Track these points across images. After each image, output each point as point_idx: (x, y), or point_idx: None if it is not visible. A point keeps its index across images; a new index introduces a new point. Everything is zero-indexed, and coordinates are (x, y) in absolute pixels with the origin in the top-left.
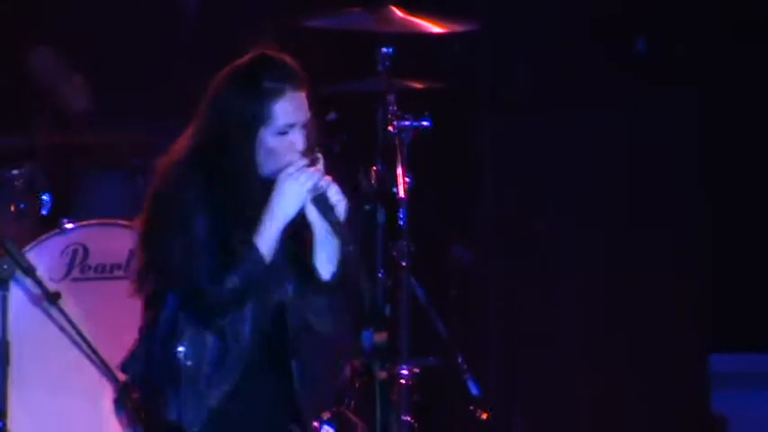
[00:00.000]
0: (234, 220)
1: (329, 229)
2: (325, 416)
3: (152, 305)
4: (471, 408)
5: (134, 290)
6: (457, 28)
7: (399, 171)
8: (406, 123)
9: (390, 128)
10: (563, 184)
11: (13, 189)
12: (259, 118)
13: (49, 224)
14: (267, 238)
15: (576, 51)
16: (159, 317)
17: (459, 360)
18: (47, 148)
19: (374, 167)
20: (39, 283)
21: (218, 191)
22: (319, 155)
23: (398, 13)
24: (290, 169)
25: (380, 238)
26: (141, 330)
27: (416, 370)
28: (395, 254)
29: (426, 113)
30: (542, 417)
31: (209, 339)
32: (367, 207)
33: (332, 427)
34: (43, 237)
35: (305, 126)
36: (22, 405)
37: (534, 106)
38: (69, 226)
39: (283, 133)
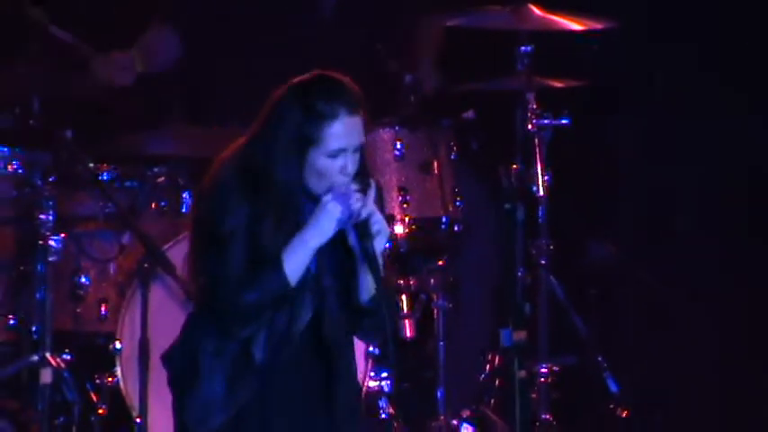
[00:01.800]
0: (274, 235)
1: (363, 258)
2: (465, 414)
3: (194, 310)
4: (611, 406)
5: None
6: (596, 25)
7: (538, 169)
8: (546, 122)
9: (529, 126)
10: (704, 182)
11: (154, 187)
12: (310, 139)
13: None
14: (296, 257)
15: (714, 51)
16: (194, 321)
17: (599, 358)
18: (185, 145)
19: (513, 166)
20: (179, 280)
21: (263, 204)
22: (372, 181)
23: (537, 11)
24: (332, 193)
25: (520, 236)
26: (182, 329)
27: (556, 368)
28: (534, 252)
29: (565, 112)
30: (682, 414)
31: (232, 351)
32: (506, 205)
33: (471, 425)
34: (183, 234)
35: (357, 150)
36: (161, 403)
37: (674, 104)
38: None
39: (333, 156)
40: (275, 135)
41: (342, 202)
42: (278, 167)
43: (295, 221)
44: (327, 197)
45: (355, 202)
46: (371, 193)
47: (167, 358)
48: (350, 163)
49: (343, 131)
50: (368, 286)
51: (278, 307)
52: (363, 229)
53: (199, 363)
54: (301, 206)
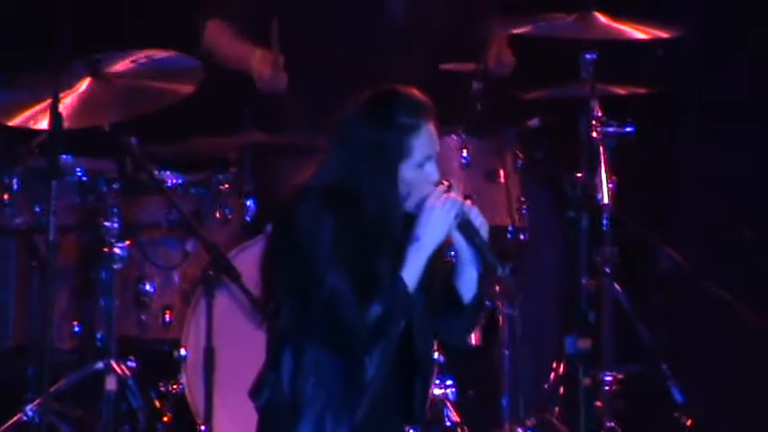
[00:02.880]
0: (370, 255)
1: (477, 253)
2: (530, 423)
3: (280, 335)
4: (676, 414)
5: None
6: (661, 33)
7: (603, 177)
8: (610, 130)
9: (594, 134)
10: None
11: (218, 194)
12: (398, 153)
13: (253, 230)
14: (413, 270)
15: None
16: (286, 347)
17: (663, 366)
18: (252, 152)
19: (578, 174)
20: (244, 289)
21: (354, 227)
22: (452, 183)
23: (602, 18)
24: (433, 199)
25: (584, 244)
26: (268, 358)
27: (620, 376)
28: (598, 260)
29: (630, 120)
30: (747, 424)
31: (339, 372)
32: (571, 214)
33: None
34: (247, 243)
35: (436, 157)
36: (226, 411)
37: (739, 112)
38: None
39: (420, 166)
40: (361, 156)
41: (447, 205)
42: (371, 188)
43: (392, 237)
44: (430, 202)
45: (456, 202)
46: (454, 191)
47: (255, 394)
48: (434, 170)
49: (426, 140)
50: (471, 284)
51: (399, 319)
52: (468, 226)
53: (300, 392)
54: (399, 222)
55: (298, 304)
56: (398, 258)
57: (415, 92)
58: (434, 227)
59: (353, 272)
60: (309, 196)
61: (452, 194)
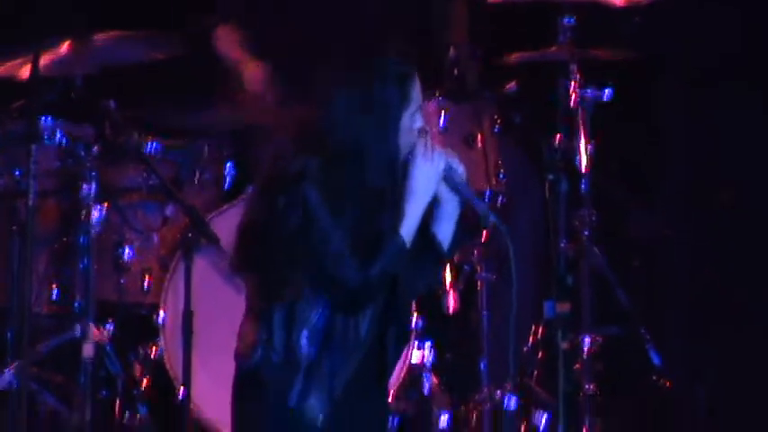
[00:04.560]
0: (372, 213)
1: (463, 203)
2: (508, 386)
3: (270, 294)
4: (654, 377)
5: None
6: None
7: (581, 141)
8: (588, 93)
9: (572, 98)
10: (748, 154)
11: (197, 158)
12: (401, 105)
13: (233, 194)
14: (409, 224)
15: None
16: (276, 307)
17: (642, 330)
18: (229, 122)
19: (556, 138)
20: (222, 252)
21: (357, 190)
22: (428, 128)
23: None
24: (422, 152)
25: (563, 208)
26: (255, 318)
27: (599, 339)
28: (577, 223)
29: (608, 83)
30: (725, 387)
31: (335, 325)
32: (549, 177)
33: (515, 397)
34: (225, 206)
35: None
36: (205, 372)
37: (717, 75)
38: None
39: (413, 114)
40: (365, 114)
41: (435, 157)
42: (378, 147)
43: (391, 190)
44: (420, 155)
45: (442, 153)
46: (429, 138)
47: (247, 354)
48: (420, 118)
49: (418, 87)
50: (449, 234)
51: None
52: (453, 177)
53: (295, 348)
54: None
55: (288, 264)
56: (395, 212)
57: (398, 39)
58: (427, 180)
59: (355, 231)
60: (302, 164)
61: (435, 145)
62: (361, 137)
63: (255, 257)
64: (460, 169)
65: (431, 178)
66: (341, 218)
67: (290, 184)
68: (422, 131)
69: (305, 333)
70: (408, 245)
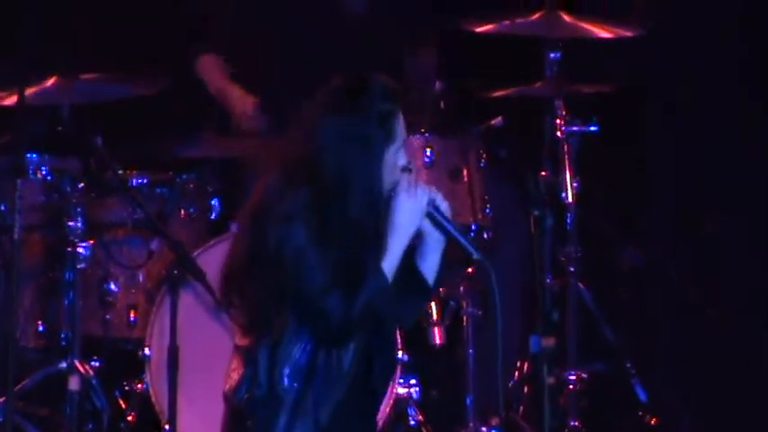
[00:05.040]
0: (354, 247)
1: (448, 238)
2: (494, 422)
3: (256, 330)
4: (640, 413)
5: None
6: (626, 33)
7: (567, 176)
8: (574, 129)
9: (558, 133)
10: (733, 186)
11: (183, 194)
12: (384, 141)
13: (218, 229)
14: (392, 259)
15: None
16: (261, 342)
17: (628, 365)
18: (216, 153)
19: (542, 173)
20: (208, 288)
21: (340, 225)
22: (412, 164)
23: (567, 18)
24: (406, 187)
25: (548, 243)
26: (241, 355)
27: (584, 375)
28: (563, 259)
29: (594, 118)
30: (711, 422)
31: (318, 359)
32: (535, 212)
33: None
34: (212, 241)
35: None
36: (190, 410)
37: (703, 109)
38: None
39: (398, 151)
40: (347, 150)
41: (419, 192)
42: (361, 183)
43: (376, 227)
44: (404, 190)
45: (426, 188)
46: (415, 174)
47: (234, 392)
48: (404, 154)
49: (402, 123)
50: (433, 269)
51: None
52: (438, 212)
53: (278, 384)
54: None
55: (275, 302)
56: (378, 248)
57: (383, 76)
58: (410, 216)
59: (339, 266)
60: (289, 201)
61: (418, 182)
62: (346, 172)
63: (242, 293)
64: (444, 204)
65: (414, 214)
66: (326, 254)
67: (279, 222)
68: (406, 168)
69: (287, 368)
70: (391, 279)
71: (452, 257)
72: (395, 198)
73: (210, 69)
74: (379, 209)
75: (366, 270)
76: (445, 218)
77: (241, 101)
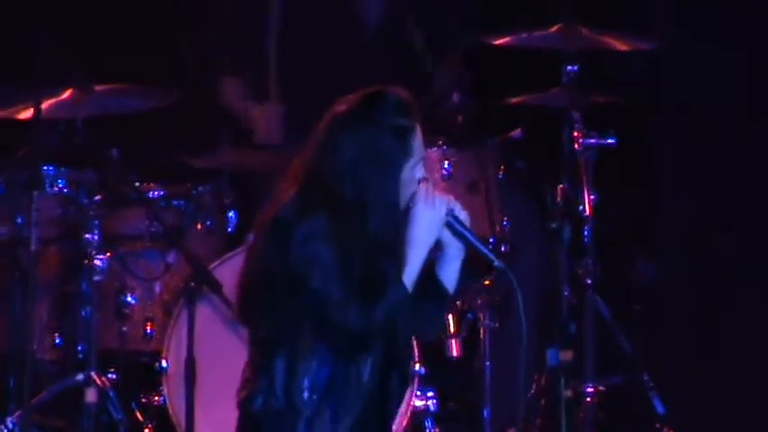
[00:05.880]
0: (373, 261)
1: (468, 247)
2: None
3: (272, 342)
4: (657, 426)
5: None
6: (642, 45)
7: (584, 188)
8: (592, 141)
9: (575, 146)
10: (749, 199)
11: (200, 206)
12: (402, 157)
13: (235, 241)
14: (411, 271)
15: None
16: (278, 353)
17: (645, 378)
18: (232, 165)
19: (559, 185)
20: (225, 300)
21: (358, 239)
22: (427, 176)
23: (585, 30)
24: (422, 198)
25: (565, 255)
26: (256, 365)
27: (602, 388)
28: (580, 271)
29: (611, 131)
30: None
31: (337, 372)
32: (553, 225)
33: None
34: (229, 254)
35: None
36: (207, 422)
37: (718, 121)
38: None
39: (415, 166)
40: (365, 166)
41: (437, 203)
42: (379, 198)
43: (394, 238)
44: (422, 202)
45: (443, 199)
46: (431, 185)
47: (249, 401)
48: (421, 167)
49: (420, 138)
50: (453, 278)
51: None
52: (457, 222)
53: (296, 396)
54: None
55: (293, 315)
56: (398, 260)
57: (401, 90)
58: (429, 227)
59: (359, 279)
60: (311, 219)
61: (436, 192)
62: (364, 189)
63: (261, 309)
64: (463, 214)
65: (433, 224)
66: (347, 270)
67: (301, 241)
68: (423, 179)
69: (306, 381)
70: (411, 290)
71: (471, 268)
72: (413, 209)
73: (231, 92)
74: (397, 223)
75: (386, 283)
76: (464, 227)
77: (264, 118)
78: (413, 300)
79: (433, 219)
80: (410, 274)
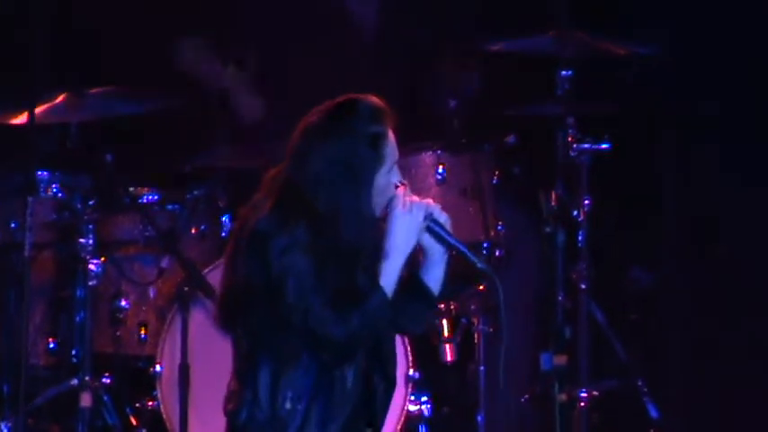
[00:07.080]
0: (350, 271)
1: (450, 251)
2: None
3: (254, 353)
4: (651, 430)
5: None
6: (639, 51)
7: (579, 194)
8: (586, 146)
9: (570, 151)
10: (745, 206)
11: (194, 211)
12: (373, 166)
13: None
14: (390, 277)
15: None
16: (261, 365)
17: (639, 383)
18: (226, 169)
19: (554, 190)
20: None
21: (333, 250)
22: (404, 181)
23: (580, 36)
24: (399, 205)
25: (560, 260)
26: (241, 376)
27: (596, 393)
28: (574, 276)
29: (605, 136)
30: None
31: (321, 380)
32: (547, 230)
33: None
34: (222, 259)
35: None
36: (201, 426)
37: (716, 127)
38: None
39: (389, 172)
40: (336, 177)
41: (414, 209)
42: (351, 209)
43: (370, 249)
44: (398, 209)
45: (421, 204)
46: (408, 190)
47: (234, 413)
48: (396, 174)
49: (392, 145)
50: (438, 281)
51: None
52: (437, 226)
53: (280, 406)
54: (375, 230)
55: (275, 327)
56: (375, 267)
57: (373, 98)
58: (406, 233)
59: (336, 289)
60: (284, 227)
61: (414, 197)
62: (336, 198)
63: (243, 321)
64: (444, 216)
65: (410, 230)
66: (324, 279)
67: (280, 253)
68: (400, 184)
69: (290, 392)
70: (390, 295)
71: (463, 275)
72: (390, 215)
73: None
74: (373, 232)
75: (364, 289)
76: (445, 230)
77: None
78: (393, 305)
79: (410, 224)
80: (389, 281)
